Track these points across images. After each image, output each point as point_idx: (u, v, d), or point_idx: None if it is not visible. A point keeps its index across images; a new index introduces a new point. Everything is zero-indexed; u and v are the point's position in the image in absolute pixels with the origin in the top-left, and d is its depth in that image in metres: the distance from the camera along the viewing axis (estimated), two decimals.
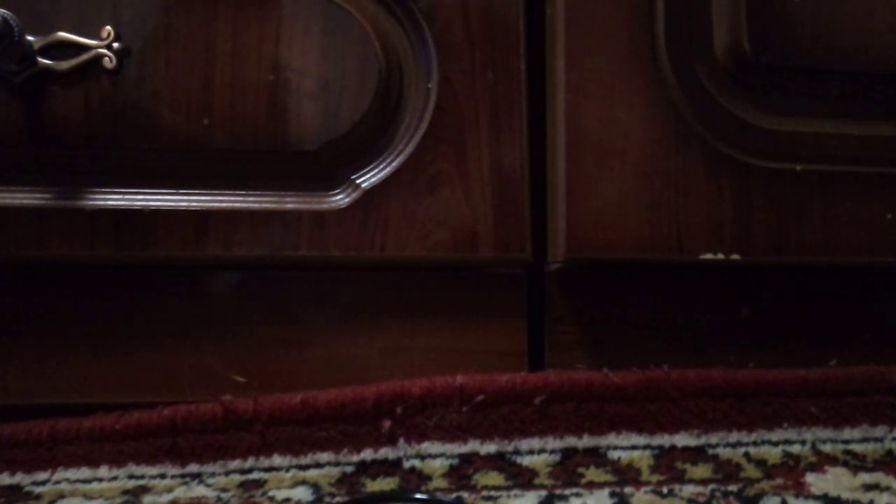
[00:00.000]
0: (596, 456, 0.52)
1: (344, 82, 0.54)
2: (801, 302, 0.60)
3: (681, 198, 0.55)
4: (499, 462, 0.51)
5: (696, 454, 0.52)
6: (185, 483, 0.50)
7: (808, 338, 0.60)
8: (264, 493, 0.49)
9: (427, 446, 0.51)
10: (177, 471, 0.51)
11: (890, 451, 0.53)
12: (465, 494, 0.49)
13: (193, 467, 0.51)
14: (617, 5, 0.55)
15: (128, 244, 0.53)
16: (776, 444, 0.53)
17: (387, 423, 0.51)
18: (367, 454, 0.51)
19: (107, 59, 0.52)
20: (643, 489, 0.50)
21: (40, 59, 0.52)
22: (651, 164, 0.55)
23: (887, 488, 0.50)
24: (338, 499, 0.49)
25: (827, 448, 0.53)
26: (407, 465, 0.51)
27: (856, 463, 0.52)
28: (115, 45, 0.53)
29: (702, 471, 0.51)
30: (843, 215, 0.56)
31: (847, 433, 0.54)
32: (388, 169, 0.55)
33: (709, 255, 0.55)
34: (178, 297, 0.56)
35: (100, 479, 0.50)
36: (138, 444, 0.51)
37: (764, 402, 0.54)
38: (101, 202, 0.53)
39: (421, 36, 0.55)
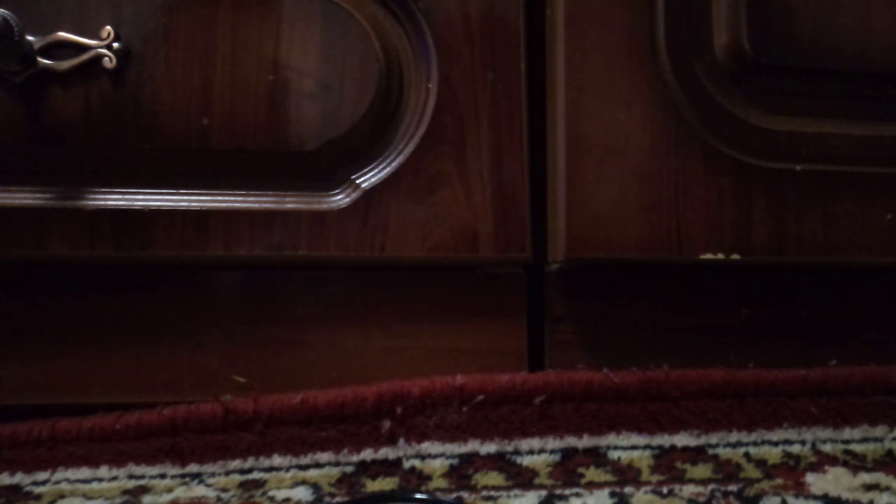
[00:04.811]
0: (596, 456, 0.52)
1: (344, 82, 0.54)
2: (801, 302, 0.60)
3: (681, 198, 0.55)
4: (499, 462, 0.51)
5: (696, 454, 0.52)
6: (185, 483, 0.50)
7: (808, 338, 0.60)
8: (264, 493, 0.49)
9: (427, 446, 0.51)
10: (177, 471, 0.51)
11: (890, 451, 0.53)
12: (465, 494, 0.49)
13: (193, 467, 0.51)
14: (617, 5, 0.55)
15: (128, 244, 0.53)
16: (776, 444, 0.53)
17: (387, 423, 0.51)
18: (367, 454, 0.51)
19: (107, 59, 0.52)
20: (643, 489, 0.50)
21: (40, 59, 0.52)
22: (651, 164, 0.55)
23: (887, 488, 0.50)
24: (338, 499, 0.49)
25: (827, 448, 0.53)
26: (407, 465, 0.51)
27: (856, 463, 0.52)
28: (115, 45, 0.53)
29: (702, 471, 0.51)
30: (843, 215, 0.56)
31: (847, 433, 0.54)
32: (388, 169, 0.55)
33: (709, 255, 0.55)
34: (178, 297, 0.56)
35: (100, 479, 0.50)
36: (138, 444, 0.51)
37: (764, 402, 0.54)
38: (101, 202, 0.53)
39: (421, 36, 0.55)
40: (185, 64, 0.53)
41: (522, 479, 0.50)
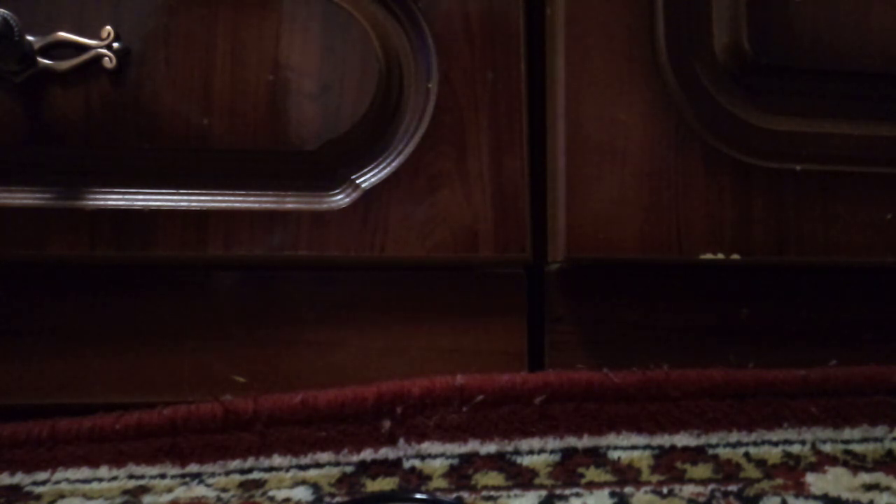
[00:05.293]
0: (596, 456, 0.52)
1: (344, 82, 0.54)
2: (801, 302, 0.60)
3: (681, 198, 0.55)
4: (499, 462, 0.51)
5: (696, 454, 0.52)
6: (185, 483, 0.50)
7: (808, 338, 0.60)
8: (264, 493, 0.49)
9: (427, 446, 0.51)
10: (177, 471, 0.51)
11: (890, 451, 0.53)
12: (465, 494, 0.49)
13: (193, 467, 0.51)
14: (617, 5, 0.55)
15: (128, 244, 0.53)
16: (776, 444, 0.53)
17: (387, 423, 0.51)
18: (367, 454, 0.51)
19: (107, 59, 0.52)
20: (643, 489, 0.50)
21: (40, 59, 0.52)
22: (651, 164, 0.55)
23: (887, 488, 0.50)
24: (338, 499, 0.49)
25: (827, 448, 0.53)
26: (407, 465, 0.51)
27: (856, 463, 0.52)
28: (115, 45, 0.53)
29: (702, 471, 0.51)
30: (843, 215, 0.56)
31: (847, 433, 0.54)
32: (388, 169, 0.55)
33: (709, 255, 0.55)
34: (178, 297, 0.56)
35: (100, 479, 0.50)
36: (138, 444, 0.51)
37: (764, 402, 0.54)
38: (101, 202, 0.53)
39: (421, 36, 0.55)
40: (185, 64, 0.53)
41: (522, 479, 0.50)
